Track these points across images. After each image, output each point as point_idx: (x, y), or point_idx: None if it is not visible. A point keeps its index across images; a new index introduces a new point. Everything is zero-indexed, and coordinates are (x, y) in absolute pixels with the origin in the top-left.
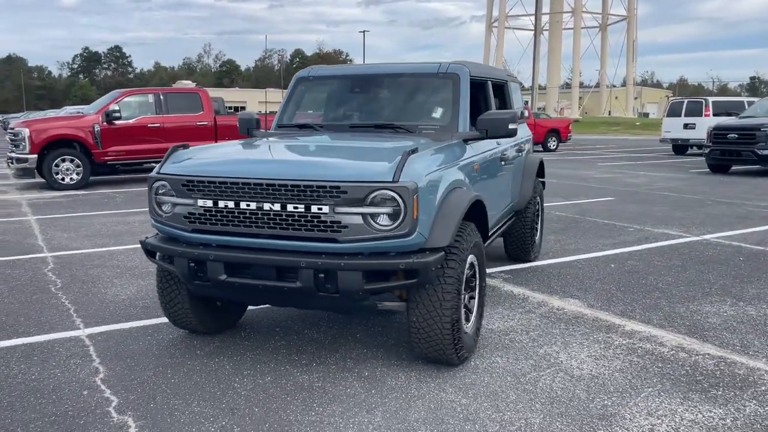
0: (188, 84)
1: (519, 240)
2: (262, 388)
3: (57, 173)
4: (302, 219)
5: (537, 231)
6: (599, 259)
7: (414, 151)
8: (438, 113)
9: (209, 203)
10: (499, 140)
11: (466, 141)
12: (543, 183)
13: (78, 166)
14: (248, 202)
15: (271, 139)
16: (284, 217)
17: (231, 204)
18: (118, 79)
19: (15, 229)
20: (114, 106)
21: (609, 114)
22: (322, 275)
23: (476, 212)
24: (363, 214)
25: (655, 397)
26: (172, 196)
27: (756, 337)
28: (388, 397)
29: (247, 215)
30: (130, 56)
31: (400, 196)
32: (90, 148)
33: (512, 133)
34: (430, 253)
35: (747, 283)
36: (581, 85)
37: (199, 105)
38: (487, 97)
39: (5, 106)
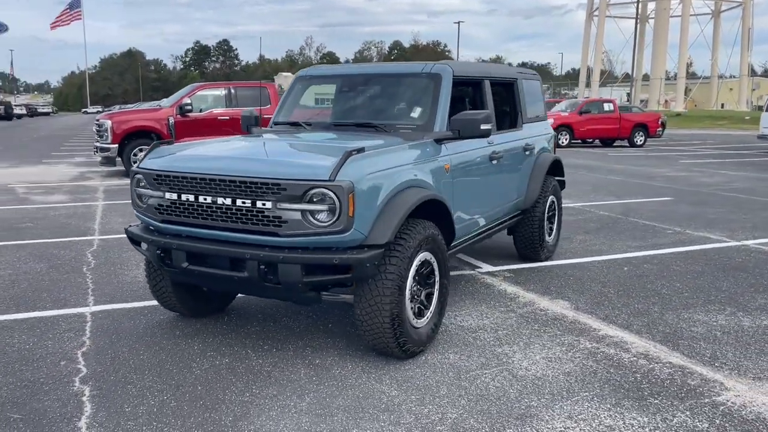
0: (288, 76)
1: (526, 239)
2: (216, 369)
3: (135, 162)
4: (249, 213)
5: (550, 231)
6: (615, 261)
7: (360, 150)
8: (416, 113)
9: (174, 196)
10: (491, 139)
11: (439, 141)
12: (562, 183)
13: None
14: (205, 196)
15: (255, 136)
16: (234, 210)
17: (192, 197)
18: (225, 71)
19: (81, 212)
20: (187, 100)
21: (722, 107)
22: (265, 267)
23: (438, 211)
24: (302, 211)
25: (586, 401)
26: (147, 188)
27: (732, 349)
28: (324, 384)
29: (204, 208)
30: (236, 49)
31: (336, 195)
32: (165, 138)
33: (485, 134)
34: (368, 249)
35: (761, 293)
36: (693, 76)
37: (266, 98)
38: (483, 95)
39: (125, 97)
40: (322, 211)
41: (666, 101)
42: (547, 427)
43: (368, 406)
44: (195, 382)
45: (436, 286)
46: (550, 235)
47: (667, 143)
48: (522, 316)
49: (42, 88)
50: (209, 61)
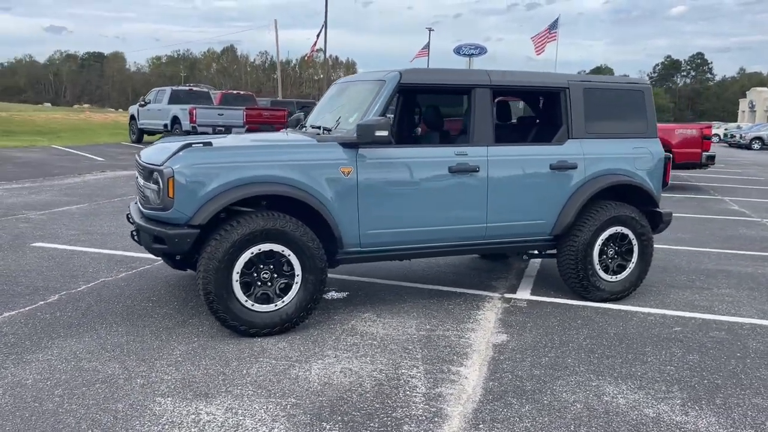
0: (763, 91)
1: (563, 270)
2: (133, 311)
3: None
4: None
5: (618, 269)
6: (682, 320)
7: (207, 144)
8: (352, 118)
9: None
10: (463, 150)
11: (349, 145)
12: (654, 215)
13: None
14: (138, 177)
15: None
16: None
17: (137, 177)
18: (694, 86)
19: None
20: None
21: None
22: (135, 232)
23: (308, 211)
24: (151, 189)
25: (268, 405)
26: None
27: (556, 423)
28: (160, 337)
29: (138, 186)
30: (711, 62)
31: (160, 178)
32: None
33: (380, 140)
34: (188, 227)
35: None
36: None
37: None
38: (472, 105)
39: None
40: (154, 190)
41: None
42: (203, 408)
43: (133, 355)
44: (103, 314)
45: (296, 280)
46: (616, 274)
47: None
48: (428, 337)
49: None
50: (679, 77)
